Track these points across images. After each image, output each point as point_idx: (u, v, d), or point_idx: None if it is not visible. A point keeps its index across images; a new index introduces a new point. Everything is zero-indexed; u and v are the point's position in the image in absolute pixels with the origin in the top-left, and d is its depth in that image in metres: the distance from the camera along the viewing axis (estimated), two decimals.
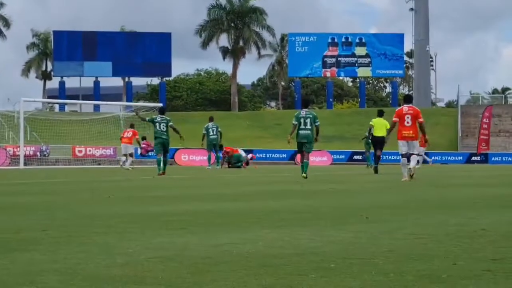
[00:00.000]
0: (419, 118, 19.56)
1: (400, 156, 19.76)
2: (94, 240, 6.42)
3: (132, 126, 38.62)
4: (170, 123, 25.85)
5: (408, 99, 20.41)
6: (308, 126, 21.30)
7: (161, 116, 26.03)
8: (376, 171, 26.77)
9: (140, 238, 6.56)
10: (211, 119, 36.25)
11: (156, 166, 26.10)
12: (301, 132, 21.37)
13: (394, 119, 19.95)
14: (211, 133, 35.25)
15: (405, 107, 19.63)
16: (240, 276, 4.55)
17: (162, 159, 25.64)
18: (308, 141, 21.36)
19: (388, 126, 27.46)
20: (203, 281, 4.40)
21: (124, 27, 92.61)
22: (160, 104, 45.84)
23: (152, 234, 6.85)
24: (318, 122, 21.44)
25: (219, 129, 35.51)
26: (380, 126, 28.25)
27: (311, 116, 21.44)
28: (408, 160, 19.51)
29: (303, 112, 21.60)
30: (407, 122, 19.37)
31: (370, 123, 29.19)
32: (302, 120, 21.36)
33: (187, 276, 4.55)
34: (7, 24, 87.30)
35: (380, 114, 28.88)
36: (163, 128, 25.54)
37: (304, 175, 20.92)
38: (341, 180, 20.64)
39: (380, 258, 5.26)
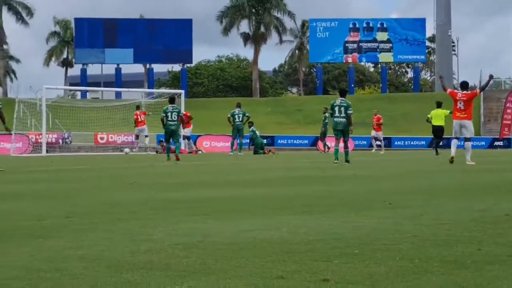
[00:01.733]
0: (476, 95, 20.76)
1: (452, 139, 21.00)
2: (118, 227, 6.45)
3: (138, 107, 38.74)
4: (180, 114, 26.64)
5: (463, 86, 21.10)
6: (343, 114, 21.99)
7: (172, 105, 26.60)
8: (437, 152, 29.64)
9: (164, 224, 6.58)
10: (238, 105, 36.21)
11: (169, 153, 26.45)
12: (336, 119, 22.11)
13: (449, 91, 21.17)
14: (236, 119, 35.22)
15: (459, 93, 20.54)
16: (264, 262, 4.56)
17: (171, 146, 26.42)
18: (343, 128, 21.98)
19: (447, 113, 28.40)
20: (227, 267, 4.41)
21: (143, 15, 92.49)
22: (182, 91, 46.24)
23: (175, 221, 6.86)
24: (350, 111, 22.04)
25: (246, 114, 35.53)
26: (438, 116, 30.78)
27: (345, 104, 22.10)
28: (459, 140, 20.86)
29: (338, 101, 22.32)
30: (460, 107, 20.39)
31: (428, 115, 31.57)
32: (336, 109, 22.09)
33: (211, 263, 4.56)
34: (30, 12, 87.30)
35: (438, 105, 31.13)
36: (174, 117, 26.17)
37: (336, 161, 21.50)
38: (363, 166, 20.64)
39: (404, 244, 5.25)
